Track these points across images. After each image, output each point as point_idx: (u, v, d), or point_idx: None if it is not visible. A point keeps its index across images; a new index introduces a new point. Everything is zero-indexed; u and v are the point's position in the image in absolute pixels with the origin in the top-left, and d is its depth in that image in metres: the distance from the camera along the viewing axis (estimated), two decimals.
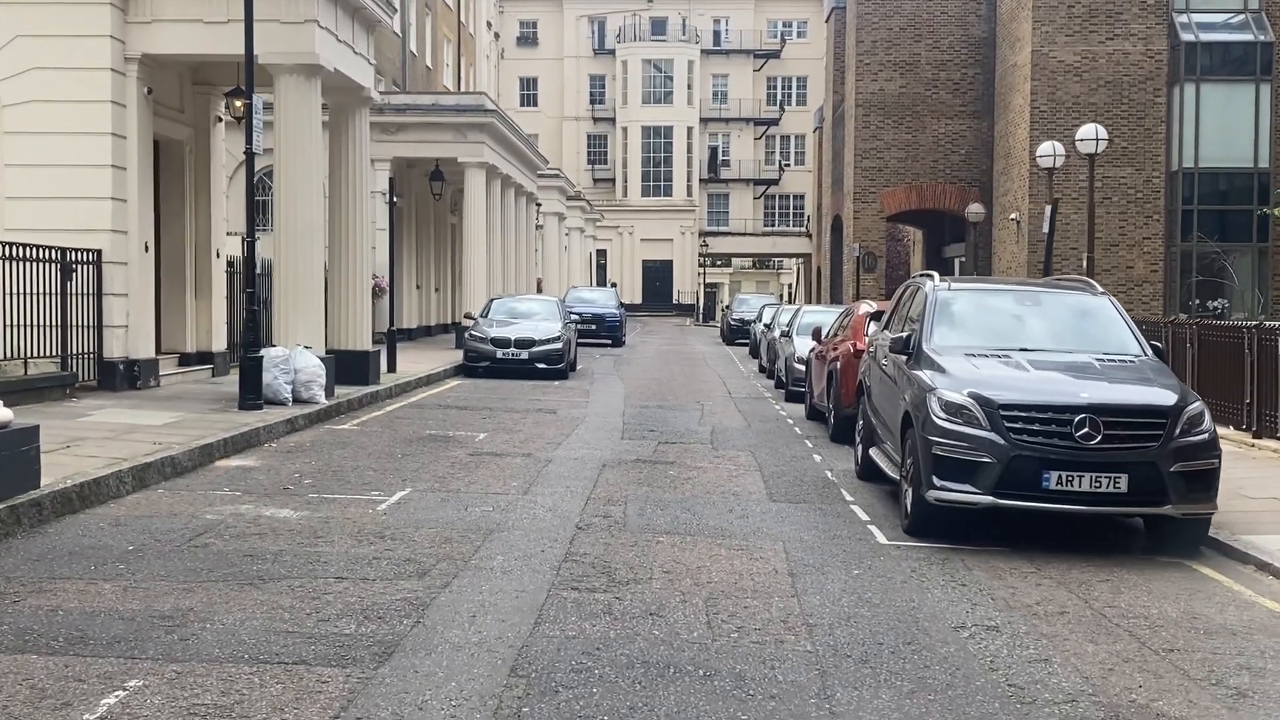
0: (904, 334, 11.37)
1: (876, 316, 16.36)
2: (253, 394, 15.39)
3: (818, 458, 14.61)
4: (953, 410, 9.73)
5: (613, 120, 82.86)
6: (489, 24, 64.99)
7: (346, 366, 19.00)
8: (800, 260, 78.70)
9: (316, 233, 17.44)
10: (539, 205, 48.28)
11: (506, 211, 37.76)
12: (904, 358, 11.13)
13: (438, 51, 50.23)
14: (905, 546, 9.66)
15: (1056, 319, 11.45)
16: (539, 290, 46.27)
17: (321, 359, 17.05)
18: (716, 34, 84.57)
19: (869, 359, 13.23)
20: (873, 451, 12.40)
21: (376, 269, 27.29)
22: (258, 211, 28.67)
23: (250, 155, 15.60)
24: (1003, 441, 9.46)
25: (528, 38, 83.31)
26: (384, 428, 15.92)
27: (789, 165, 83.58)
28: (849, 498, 11.81)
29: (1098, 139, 21.77)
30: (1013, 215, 34.19)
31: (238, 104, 17.45)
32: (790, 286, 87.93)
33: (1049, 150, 24.06)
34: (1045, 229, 20.26)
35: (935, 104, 38.85)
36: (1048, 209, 20.82)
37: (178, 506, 10.18)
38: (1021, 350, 10.69)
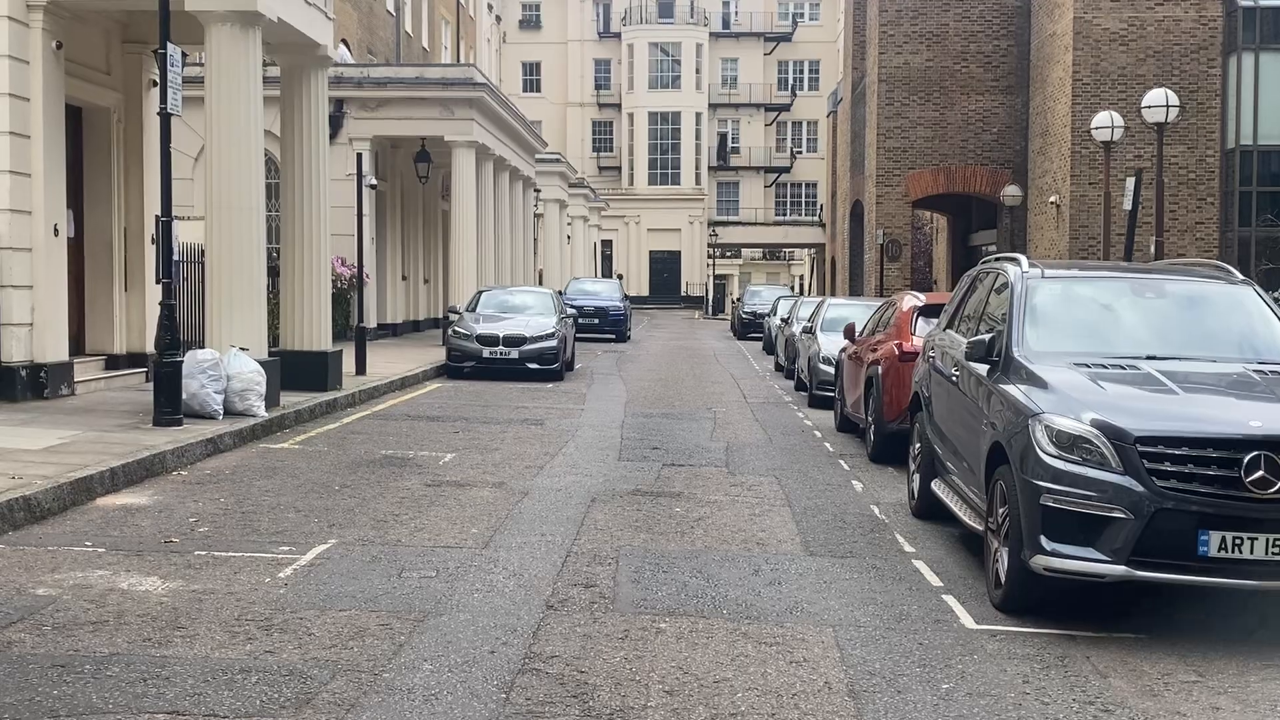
0: (984, 336, 8.62)
1: (926, 312, 13.65)
2: (170, 407, 12.66)
3: (858, 485, 11.88)
4: (1068, 444, 6.99)
5: (618, 106, 79.98)
6: (490, 6, 62.25)
7: (300, 370, 16.32)
8: (812, 251, 75.88)
9: (255, 212, 14.67)
10: (538, 191, 45.48)
11: (501, 197, 34.96)
12: (985, 367, 8.41)
13: (435, 33, 47.52)
14: (1003, 634, 6.94)
15: (1188, 316, 8.69)
16: (540, 282, 43.54)
17: (263, 362, 14.35)
18: (725, 16, 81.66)
19: (927, 365, 10.49)
20: (935, 484, 9.69)
21: (351, 258, 24.59)
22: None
23: (166, 116, 12.87)
24: (1142, 488, 6.73)
25: (530, 21, 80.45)
26: (331, 447, 13.19)
27: (801, 152, 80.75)
28: (909, 548, 9.09)
29: (1168, 105, 18.86)
30: (1052, 198, 31.29)
31: None
32: (802, 278, 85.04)
33: (1106, 121, 21.21)
34: (1127, 205, 17.45)
35: (965, 79, 35.90)
36: (1129, 181, 17.99)
37: (7, 574, 7.49)
38: (1149, 359, 7.95)
